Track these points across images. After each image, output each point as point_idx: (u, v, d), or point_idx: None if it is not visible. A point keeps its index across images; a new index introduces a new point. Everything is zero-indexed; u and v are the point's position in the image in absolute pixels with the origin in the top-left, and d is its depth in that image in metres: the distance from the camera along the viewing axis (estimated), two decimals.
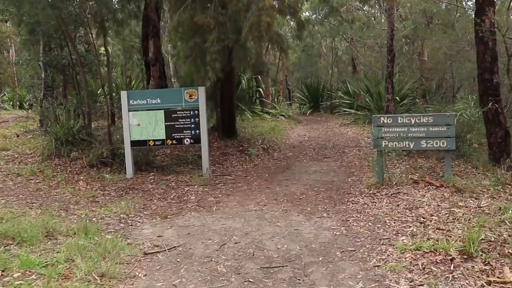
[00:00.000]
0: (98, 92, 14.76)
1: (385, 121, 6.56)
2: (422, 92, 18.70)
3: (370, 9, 25.15)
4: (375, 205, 5.74)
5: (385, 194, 6.13)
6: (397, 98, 15.96)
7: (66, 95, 11.65)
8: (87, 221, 5.10)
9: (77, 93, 10.66)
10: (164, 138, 8.14)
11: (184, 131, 8.10)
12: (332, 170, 8.59)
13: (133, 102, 8.09)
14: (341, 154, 10.53)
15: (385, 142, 6.54)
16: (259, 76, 19.16)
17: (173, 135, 8.13)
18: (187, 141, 8.14)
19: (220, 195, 6.77)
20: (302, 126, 18.66)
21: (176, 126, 8.10)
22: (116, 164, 8.54)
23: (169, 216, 5.67)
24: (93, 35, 11.64)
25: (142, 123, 8.14)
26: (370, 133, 7.40)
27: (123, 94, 8.12)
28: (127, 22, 11.06)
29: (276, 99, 22.27)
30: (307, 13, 20.99)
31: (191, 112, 8.07)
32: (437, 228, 4.52)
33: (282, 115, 19.72)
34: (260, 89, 19.04)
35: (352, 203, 5.94)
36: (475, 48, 7.97)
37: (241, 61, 7.98)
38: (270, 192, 6.86)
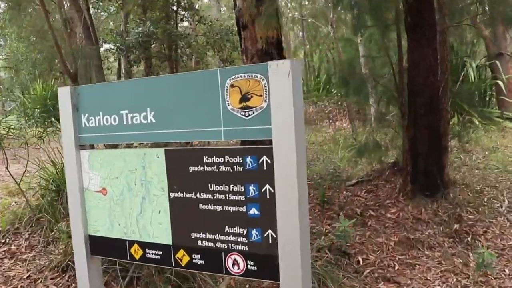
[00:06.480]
0: None
1: None
2: None
3: None
4: None
5: None
6: None
7: None
8: None
9: None
10: (170, 242, 2.40)
11: (229, 227, 2.23)
12: None
13: (88, 118, 2.55)
14: None
15: None
16: (496, 61, 11.59)
17: (192, 235, 2.34)
18: (235, 263, 2.25)
19: None
20: None
21: (201, 207, 2.29)
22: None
23: None
24: None
25: (111, 186, 2.61)
26: None
27: (63, 91, 2.55)
28: None
29: None
30: None
31: (248, 159, 2.14)
32: None
33: None
34: (499, 82, 11.41)
35: None
36: None
37: None
38: None
